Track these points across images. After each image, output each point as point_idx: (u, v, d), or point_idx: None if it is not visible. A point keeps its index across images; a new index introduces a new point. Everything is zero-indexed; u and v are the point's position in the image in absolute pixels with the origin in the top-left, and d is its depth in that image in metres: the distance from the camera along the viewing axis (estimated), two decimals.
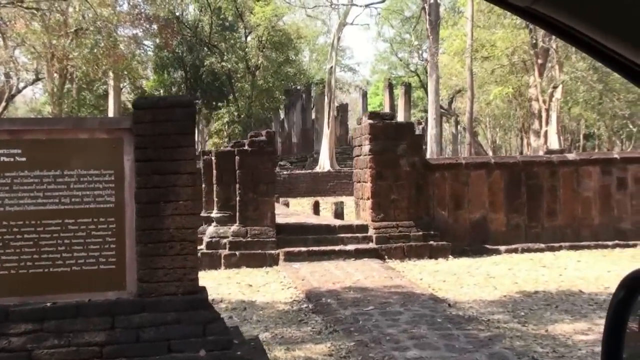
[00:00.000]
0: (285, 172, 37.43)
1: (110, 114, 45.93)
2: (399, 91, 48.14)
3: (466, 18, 37.05)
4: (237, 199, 11.95)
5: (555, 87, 33.29)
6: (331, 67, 40.96)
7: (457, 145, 51.00)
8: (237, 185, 11.94)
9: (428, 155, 32.34)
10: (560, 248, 13.33)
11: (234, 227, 11.93)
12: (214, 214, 12.06)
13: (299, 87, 51.53)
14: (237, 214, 11.96)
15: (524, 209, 13.67)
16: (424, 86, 53.22)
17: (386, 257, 12.26)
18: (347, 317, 8.22)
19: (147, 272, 5.11)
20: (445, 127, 58.83)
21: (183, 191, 5.14)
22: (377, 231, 12.51)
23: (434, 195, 13.36)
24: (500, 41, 36.09)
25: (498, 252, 13.13)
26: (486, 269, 11.48)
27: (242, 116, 44.47)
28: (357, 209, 13.95)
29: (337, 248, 12.10)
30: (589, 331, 7.54)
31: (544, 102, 32.63)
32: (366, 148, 12.84)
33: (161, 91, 50.77)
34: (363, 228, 12.83)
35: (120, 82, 53.18)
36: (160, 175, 5.09)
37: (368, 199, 12.82)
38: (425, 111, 54.48)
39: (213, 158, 12.06)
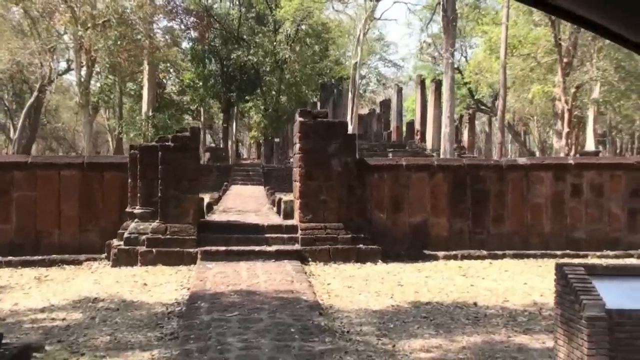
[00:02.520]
0: None
1: (144, 104, 46.63)
2: (431, 88, 47.22)
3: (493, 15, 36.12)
4: (159, 195, 11.80)
5: (578, 87, 32.02)
6: (356, 63, 40.45)
7: (490, 145, 49.74)
8: (159, 181, 11.79)
9: (441, 155, 31.64)
10: (503, 256, 12.70)
11: (154, 224, 11.80)
12: (137, 209, 11.94)
13: (333, 82, 51.17)
14: (159, 210, 11.80)
15: (468, 214, 13.09)
16: (465, 83, 52.09)
17: (310, 259, 11.90)
18: (201, 322, 7.97)
19: None
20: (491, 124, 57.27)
21: None
22: (303, 232, 12.18)
23: (372, 197, 12.93)
24: (537, 39, 35.17)
25: (435, 258, 12.60)
26: (403, 276, 11.00)
27: (269, 110, 44.47)
28: (293, 209, 13.62)
29: (257, 248, 11.82)
30: (435, 349, 7.12)
31: (567, 102, 31.37)
32: (297, 146, 12.51)
33: (200, 83, 51.14)
34: (293, 229, 12.52)
35: (163, 73, 54.04)
36: None
37: (297, 198, 12.49)
38: (467, 108, 53.45)
39: (137, 153, 11.92)
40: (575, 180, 13.12)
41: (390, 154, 36.90)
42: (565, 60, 31.72)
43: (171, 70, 54.03)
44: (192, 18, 48.43)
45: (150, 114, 44.38)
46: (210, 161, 41.80)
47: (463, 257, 12.62)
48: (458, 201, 13.09)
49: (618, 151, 64.63)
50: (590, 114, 39.68)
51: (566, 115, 31.95)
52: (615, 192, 13.12)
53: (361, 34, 40.35)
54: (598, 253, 12.77)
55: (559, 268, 6.01)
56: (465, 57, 57.73)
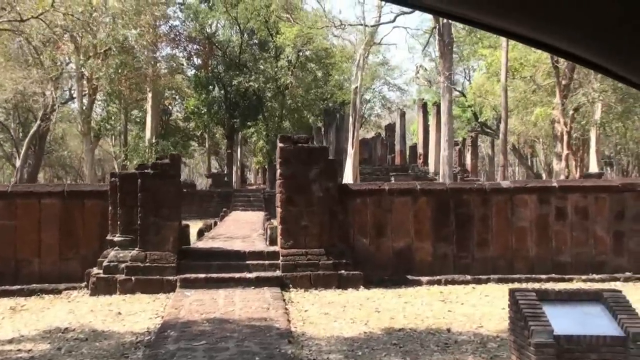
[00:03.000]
0: None
1: (148, 131, 47.03)
2: (433, 111, 47.39)
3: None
4: (139, 222, 11.78)
5: (576, 110, 31.96)
6: (356, 87, 40.53)
7: (493, 168, 49.61)
8: (139, 209, 11.77)
9: (440, 179, 31.56)
10: (487, 281, 12.57)
11: (134, 252, 11.76)
12: (116, 237, 11.92)
13: (336, 107, 51.41)
14: (138, 238, 11.78)
15: (452, 238, 12.98)
16: (469, 106, 52.18)
17: (291, 285, 11.81)
18: (167, 352, 7.89)
19: None
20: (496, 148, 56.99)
21: None
22: (284, 259, 12.10)
23: (354, 222, 12.85)
24: (538, 61, 35.23)
25: (419, 283, 12.48)
26: (381, 302, 10.89)
27: (271, 135, 44.66)
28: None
29: (237, 275, 11.74)
30: None
31: (565, 124, 31.30)
32: (278, 172, 12.49)
33: (204, 110, 51.47)
34: (275, 255, 12.44)
35: (168, 100, 54.52)
36: None
37: (279, 224, 12.44)
38: (472, 131, 53.45)
39: (117, 180, 11.93)
40: (559, 204, 13.00)
41: (392, 178, 36.87)
42: (563, 82, 31.73)
43: (176, 97, 54.52)
44: (195, 45, 48.99)
45: (154, 140, 44.74)
46: (212, 187, 41.89)
47: (447, 282, 12.49)
48: (442, 225, 12.99)
49: (625, 172, 64.35)
50: (593, 136, 39.61)
51: (565, 137, 31.84)
52: (600, 215, 12.99)
53: (361, 58, 40.45)
54: (584, 277, 12.61)
55: (511, 293, 5.93)
56: (469, 80, 57.92)
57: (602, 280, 12.54)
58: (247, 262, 12.30)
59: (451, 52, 31.35)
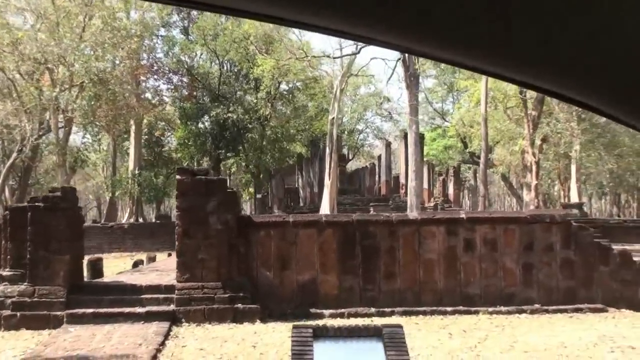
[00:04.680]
0: None
1: (131, 162, 47.06)
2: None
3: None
4: (28, 256, 11.55)
5: (544, 140, 31.80)
6: (333, 118, 40.44)
7: (476, 198, 49.19)
8: (29, 243, 11.55)
9: (408, 210, 31.21)
10: (392, 313, 12.21)
11: (22, 287, 11.51)
12: (6, 272, 11.68)
13: (320, 137, 51.35)
14: (28, 272, 11.54)
15: (358, 270, 12.66)
16: (460, 136, 52.12)
17: (184, 320, 11.51)
18: None
19: None
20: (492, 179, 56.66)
21: None
22: (179, 292, 11.81)
23: (257, 255, 12.56)
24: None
25: (321, 316, 12.13)
26: (265, 337, 10.55)
27: (250, 167, 44.49)
28: None
29: (127, 310, 11.44)
30: None
31: (534, 154, 31.10)
32: (176, 205, 12.26)
33: (190, 141, 51.41)
34: (172, 289, 12.15)
35: (159, 131, 54.59)
36: None
37: (177, 257, 12.18)
38: (463, 162, 53.26)
39: (8, 213, 11.73)
40: (468, 235, 12.68)
41: (372, 209, 36.68)
42: (534, 113, 31.60)
43: (167, 128, 54.61)
44: (179, 77, 49.19)
45: (136, 172, 44.74)
46: None
47: (350, 315, 12.15)
48: (348, 258, 12.68)
49: (617, 203, 63.89)
50: (573, 167, 39.38)
51: (534, 168, 31.61)
52: (509, 246, 12.65)
53: (338, 90, 40.43)
54: (490, 309, 12.24)
55: (292, 329, 5.65)
56: (459, 108, 57.98)
57: (509, 313, 12.18)
58: (143, 296, 12.00)
59: (417, 83, 31.23)
